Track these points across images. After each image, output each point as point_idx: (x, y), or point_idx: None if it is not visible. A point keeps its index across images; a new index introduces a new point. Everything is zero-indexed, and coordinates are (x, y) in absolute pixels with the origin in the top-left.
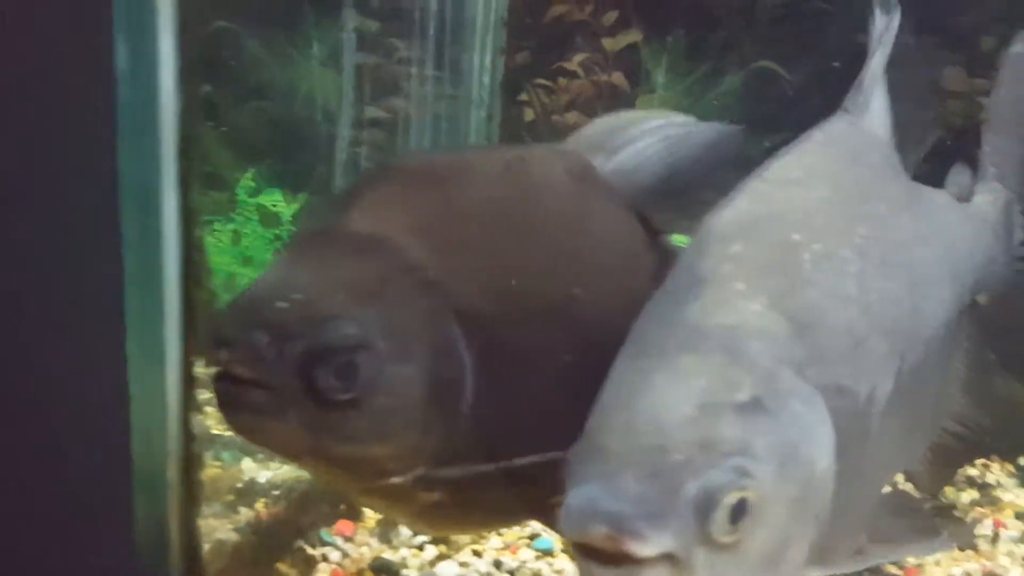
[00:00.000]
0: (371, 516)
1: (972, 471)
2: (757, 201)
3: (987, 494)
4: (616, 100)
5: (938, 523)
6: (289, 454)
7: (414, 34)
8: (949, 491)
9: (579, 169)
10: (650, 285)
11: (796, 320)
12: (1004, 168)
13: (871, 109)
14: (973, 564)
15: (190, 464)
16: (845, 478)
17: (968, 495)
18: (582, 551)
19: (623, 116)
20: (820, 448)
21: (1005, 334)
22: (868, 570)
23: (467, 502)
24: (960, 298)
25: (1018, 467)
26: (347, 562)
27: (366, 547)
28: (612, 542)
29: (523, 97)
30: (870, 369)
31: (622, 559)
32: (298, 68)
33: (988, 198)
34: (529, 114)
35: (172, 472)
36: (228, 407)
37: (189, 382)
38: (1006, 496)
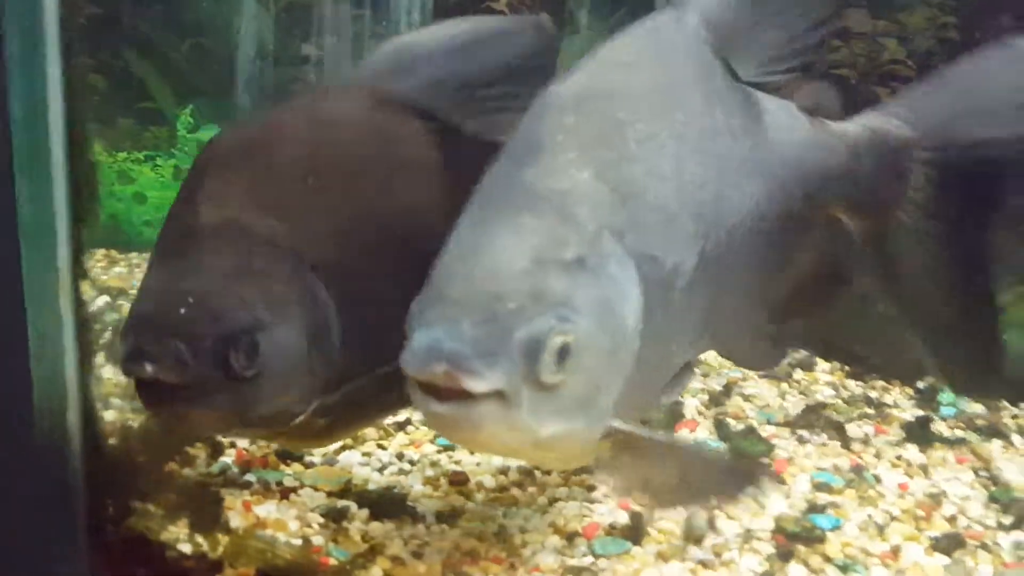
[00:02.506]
0: None
1: (872, 393)
2: (590, 78)
3: (881, 411)
4: None
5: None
6: (222, 432)
7: None
8: (841, 408)
9: (374, 100)
10: (471, 182)
11: (619, 191)
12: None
13: (690, 8)
14: (843, 460)
15: (83, 327)
16: (648, 341)
17: (858, 410)
18: (424, 389)
19: (404, 36)
20: (630, 308)
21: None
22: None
23: (350, 413)
24: (784, 200)
25: (917, 390)
26: (254, 448)
27: None
28: (450, 379)
29: None
30: (678, 244)
31: (458, 395)
32: (233, 4)
33: (868, 123)
34: None
35: (68, 337)
36: (162, 410)
37: (79, 252)
38: (901, 414)
